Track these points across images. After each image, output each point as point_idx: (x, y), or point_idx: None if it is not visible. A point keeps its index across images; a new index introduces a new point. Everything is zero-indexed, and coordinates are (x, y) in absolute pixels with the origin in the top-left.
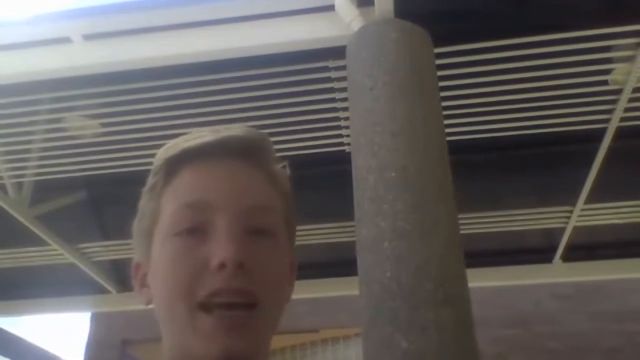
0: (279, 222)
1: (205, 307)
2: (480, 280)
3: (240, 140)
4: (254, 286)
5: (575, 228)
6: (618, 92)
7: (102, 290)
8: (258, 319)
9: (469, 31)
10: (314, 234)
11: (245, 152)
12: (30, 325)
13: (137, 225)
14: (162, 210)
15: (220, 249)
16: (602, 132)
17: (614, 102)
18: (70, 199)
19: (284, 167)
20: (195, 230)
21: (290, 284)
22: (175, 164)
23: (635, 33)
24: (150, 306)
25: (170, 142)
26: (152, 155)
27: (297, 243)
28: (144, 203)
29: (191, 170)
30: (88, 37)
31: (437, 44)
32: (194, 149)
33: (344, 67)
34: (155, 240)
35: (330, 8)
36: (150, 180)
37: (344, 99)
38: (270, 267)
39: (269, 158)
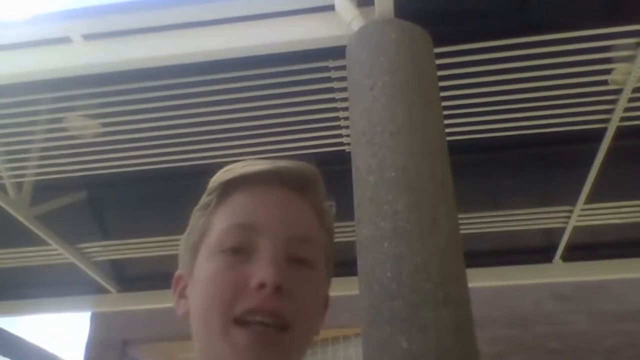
0: (320, 255)
1: (239, 322)
2: (480, 280)
3: (295, 172)
4: (287, 311)
5: (575, 228)
6: (618, 92)
7: (102, 290)
8: (288, 342)
9: (469, 31)
10: None
11: (297, 185)
12: (30, 325)
13: (185, 239)
14: (212, 227)
15: (261, 269)
16: (602, 132)
17: (614, 102)
18: (70, 199)
19: (331, 206)
20: (240, 250)
21: (322, 317)
22: (230, 187)
23: (635, 33)
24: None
25: (228, 167)
26: (152, 155)
27: None
28: (195, 219)
29: (245, 194)
30: (88, 37)
31: (437, 44)
32: (250, 175)
33: (344, 67)
34: (200, 255)
35: (330, 8)
36: (204, 199)
37: (344, 99)
38: (306, 296)
39: (318, 193)
